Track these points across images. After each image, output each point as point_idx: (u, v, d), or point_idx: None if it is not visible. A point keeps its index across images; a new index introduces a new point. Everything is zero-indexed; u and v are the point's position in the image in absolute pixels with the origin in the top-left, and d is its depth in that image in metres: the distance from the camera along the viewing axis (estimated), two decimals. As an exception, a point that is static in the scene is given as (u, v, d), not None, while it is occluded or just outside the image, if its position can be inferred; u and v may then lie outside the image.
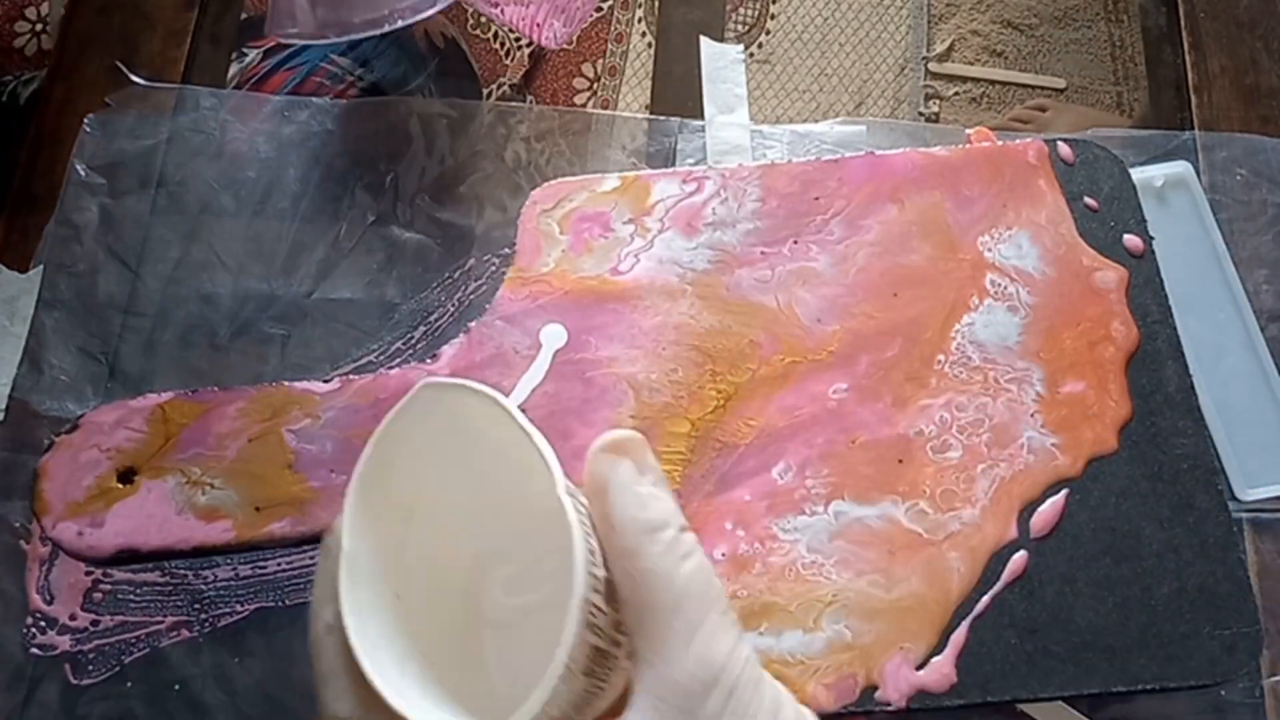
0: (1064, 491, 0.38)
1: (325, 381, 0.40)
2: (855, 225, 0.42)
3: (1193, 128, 0.50)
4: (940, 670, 0.36)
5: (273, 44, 0.53)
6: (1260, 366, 0.45)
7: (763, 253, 0.42)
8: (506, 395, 0.34)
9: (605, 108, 0.92)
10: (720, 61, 0.52)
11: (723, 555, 0.37)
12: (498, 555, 0.30)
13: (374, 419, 0.39)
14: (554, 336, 0.40)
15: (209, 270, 0.48)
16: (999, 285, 0.41)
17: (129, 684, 0.41)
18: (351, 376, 0.40)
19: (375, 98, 0.52)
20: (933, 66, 1.05)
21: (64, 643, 0.41)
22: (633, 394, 0.39)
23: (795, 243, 0.42)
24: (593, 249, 0.42)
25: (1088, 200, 0.43)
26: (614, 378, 0.40)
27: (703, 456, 0.39)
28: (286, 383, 0.39)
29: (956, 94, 1.05)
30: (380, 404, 0.39)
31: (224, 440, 0.38)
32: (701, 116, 0.50)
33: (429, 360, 0.40)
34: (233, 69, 0.53)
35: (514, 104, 0.52)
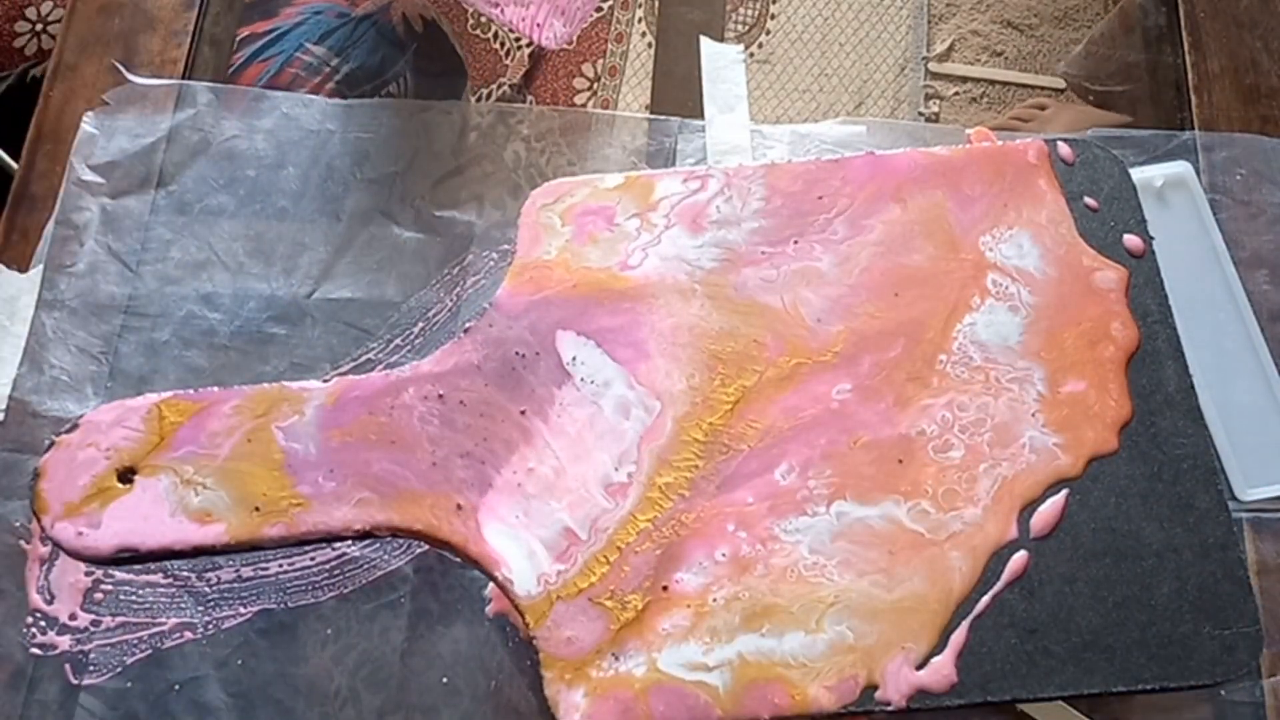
0: (1064, 491, 0.38)
1: (324, 381, 0.40)
2: (858, 225, 0.42)
3: (1193, 128, 0.50)
4: (940, 670, 0.36)
5: (246, 34, 0.53)
6: (1260, 366, 0.45)
7: (764, 252, 0.42)
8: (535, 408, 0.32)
9: (605, 108, 0.92)
10: (720, 61, 0.52)
11: (724, 556, 0.37)
12: None
13: (352, 419, 0.39)
14: (573, 346, 0.40)
15: (209, 270, 0.48)
16: (1000, 285, 0.41)
17: (130, 684, 0.41)
18: (349, 377, 0.40)
19: (375, 99, 0.52)
20: (933, 66, 1.05)
21: (64, 643, 0.41)
22: (660, 405, 0.39)
23: (797, 242, 0.42)
24: (598, 240, 0.42)
25: (1088, 200, 0.43)
26: (636, 389, 0.40)
27: (709, 461, 0.39)
28: (284, 383, 0.39)
29: (956, 94, 1.05)
30: (358, 403, 0.39)
31: (216, 438, 0.38)
32: (701, 116, 0.50)
33: (423, 360, 0.40)
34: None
35: (514, 104, 0.52)
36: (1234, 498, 0.43)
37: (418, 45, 0.53)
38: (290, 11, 0.54)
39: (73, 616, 0.41)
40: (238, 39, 0.53)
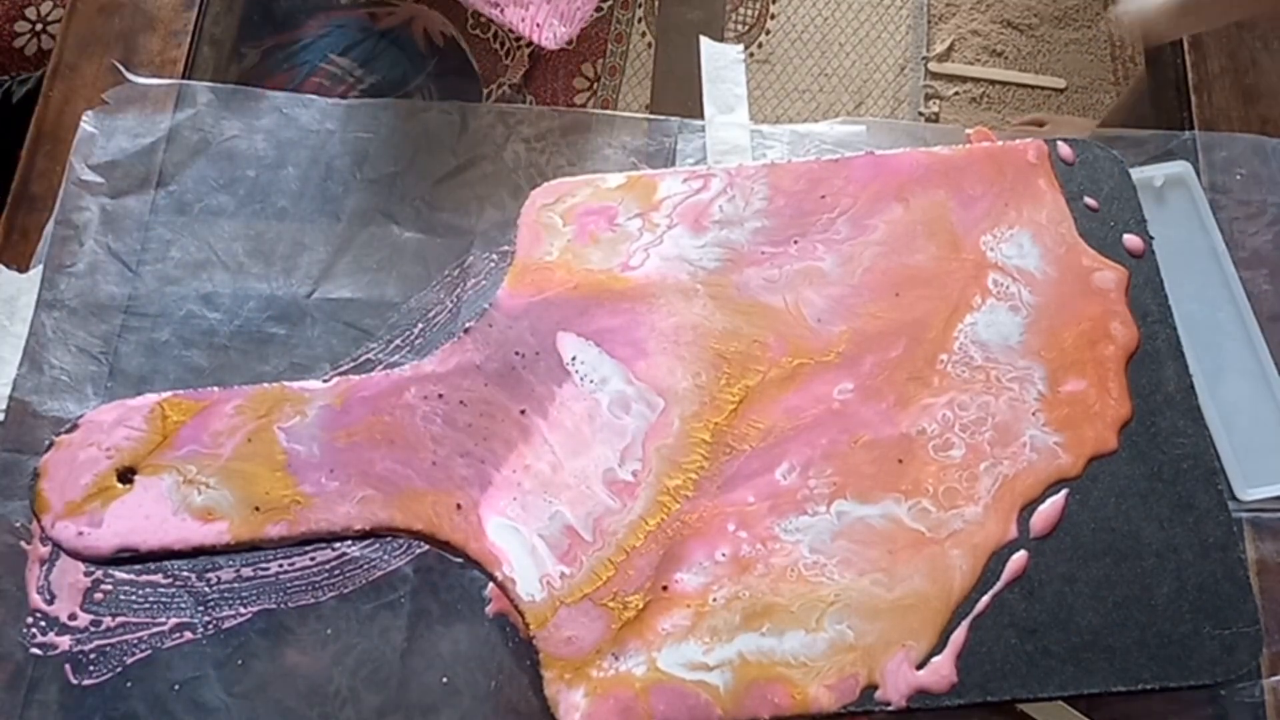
0: (1064, 491, 0.38)
1: (325, 381, 0.40)
2: (861, 225, 0.42)
3: (1193, 128, 0.50)
4: (940, 670, 0.36)
5: (271, 44, 0.53)
6: (1260, 366, 0.45)
7: (765, 252, 0.42)
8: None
9: (605, 108, 0.92)
10: (720, 61, 0.52)
11: (724, 556, 0.37)
12: None
13: (358, 420, 0.39)
14: (571, 347, 0.40)
15: (209, 270, 0.47)
16: (1001, 285, 0.41)
17: (130, 684, 0.41)
18: (351, 377, 0.40)
19: (376, 99, 0.52)
20: (933, 66, 1.05)
21: (64, 643, 0.41)
22: (663, 402, 0.39)
23: (799, 242, 0.42)
24: (599, 241, 0.42)
25: (1088, 200, 0.43)
26: (635, 384, 0.40)
27: (714, 462, 0.39)
28: (285, 383, 0.39)
29: (956, 94, 1.05)
30: (364, 404, 0.39)
31: (219, 438, 0.38)
32: (701, 116, 0.50)
33: (424, 360, 0.40)
34: (230, 70, 0.53)
35: (514, 104, 0.52)
36: (1234, 497, 0.43)
37: (438, 60, 0.53)
38: (314, 24, 0.54)
39: (73, 616, 0.41)
40: (264, 50, 0.53)
